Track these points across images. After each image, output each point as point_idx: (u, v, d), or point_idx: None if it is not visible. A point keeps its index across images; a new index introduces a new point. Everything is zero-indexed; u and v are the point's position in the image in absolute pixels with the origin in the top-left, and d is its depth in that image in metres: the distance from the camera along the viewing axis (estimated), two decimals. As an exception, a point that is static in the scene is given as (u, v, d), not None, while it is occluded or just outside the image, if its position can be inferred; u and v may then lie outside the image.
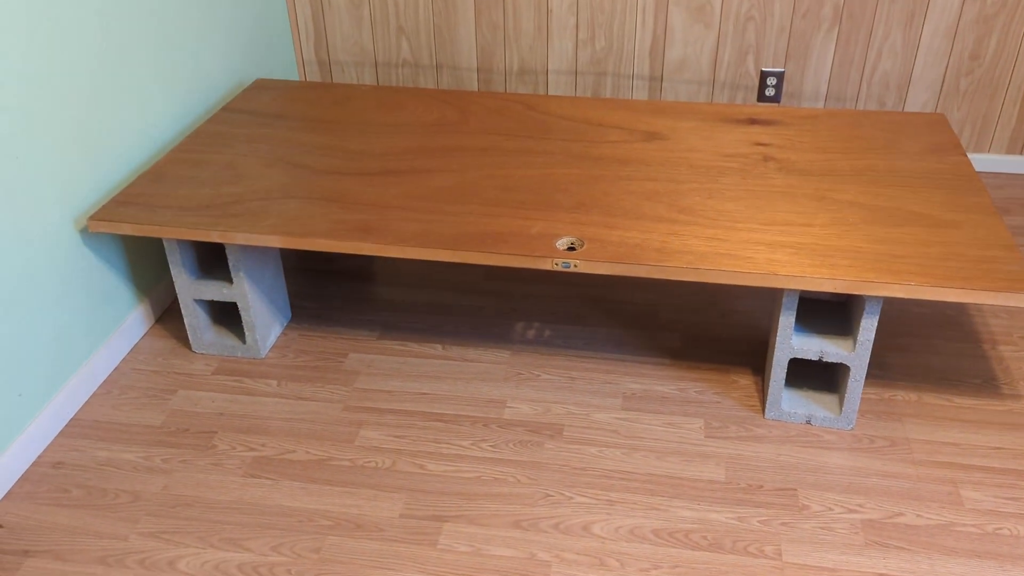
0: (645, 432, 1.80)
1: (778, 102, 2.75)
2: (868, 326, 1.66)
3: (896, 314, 2.15)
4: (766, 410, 1.82)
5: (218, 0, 2.36)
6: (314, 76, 2.97)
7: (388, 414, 1.86)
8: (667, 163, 1.97)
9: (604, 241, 1.69)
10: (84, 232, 1.88)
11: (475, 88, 2.90)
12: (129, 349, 2.06)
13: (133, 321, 2.06)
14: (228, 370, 2.00)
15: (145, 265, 2.11)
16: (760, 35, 2.66)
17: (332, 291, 2.28)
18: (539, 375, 1.96)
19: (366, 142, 2.10)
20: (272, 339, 2.07)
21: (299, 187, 1.91)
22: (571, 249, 1.68)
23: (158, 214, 1.82)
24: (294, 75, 2.94)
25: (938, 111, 2.70)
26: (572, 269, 1.65)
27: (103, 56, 1.90)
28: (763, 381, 1.92)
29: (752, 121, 2.16)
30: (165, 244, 1.88)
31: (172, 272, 1.92)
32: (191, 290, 1.95)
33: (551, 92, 2.86)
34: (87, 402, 1.91)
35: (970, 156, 2.76)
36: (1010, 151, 2.74)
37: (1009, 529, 1.57)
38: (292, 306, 2.21)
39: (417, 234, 1.73)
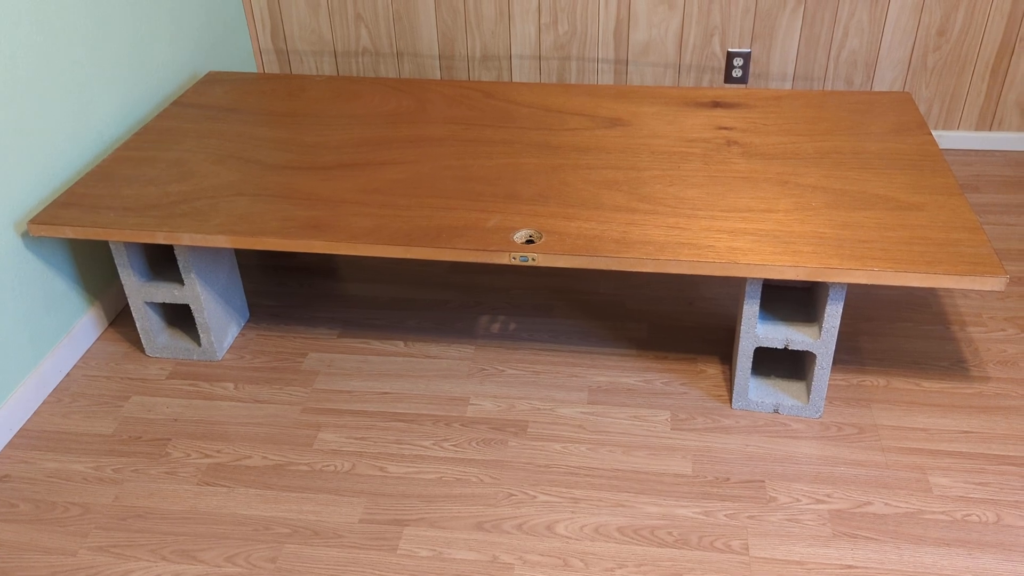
0: (611, 426, 1.76)
1: (745, 83, 2.71)
2: (833, 312, 1.62)
3: (865, 297, 2.12)
4: (733, 400, 1.79)
5: (165, -10, 2.28)
6: (272, 67, 2.90)
7: (348, 415, 1.81)
8: (628, 150, 1.92)
9: (563, 233, 1.64)
10: (26, 236, 1.81)
11: (437, 76, 2.84)
12: (80, 355, 1.99)
13: (84, 326, 2.00)
14: (183, 374, 1.94)
15: (95, 267, 2.04)
16: (725, 15, 2.61)
17: (292, 288, 2.22)
18: (503, 370, 1.92)
19: (321, 135, 2.04)
20: (229, 340, 2.02)
21: (250, 184, 1.84)
22: (529, 242, 1.63)
23: (102, 215, 1.75)
24: (252, 66, 2.86)
25: (906, 89, 2.67)
26: (530, 263, 1.61)
27: (38, 49, 1.82)
28: (731, 370, 1.89)
29: (716, 104, 2.11)
30: (112, 246, 1.82)
31: (120, 275, 1.86)
32: (141, 293, 1.89)
33: (515, 78, 2.81)
34: (36, 411, 1.85)
35: (939, 133, 2.73)
36: (979, 127, 2.71)
37: (978, 515, 1.55)
38: (250, 305, 2.16)
39: (369, 230, 1.67)
